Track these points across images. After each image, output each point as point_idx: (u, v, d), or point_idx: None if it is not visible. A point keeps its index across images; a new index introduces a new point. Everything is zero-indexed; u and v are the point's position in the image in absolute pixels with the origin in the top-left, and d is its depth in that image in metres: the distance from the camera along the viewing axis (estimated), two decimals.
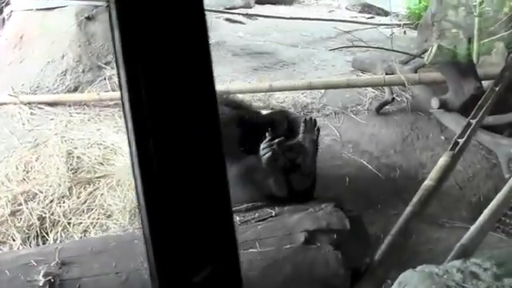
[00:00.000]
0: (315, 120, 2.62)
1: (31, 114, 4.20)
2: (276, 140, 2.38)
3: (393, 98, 4.10)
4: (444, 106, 3.82)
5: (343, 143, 3.89)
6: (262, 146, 2.38)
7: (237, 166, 2.48)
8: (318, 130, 2.58)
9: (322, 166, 3.59)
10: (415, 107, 4.16)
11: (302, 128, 2.57)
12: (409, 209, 2.71)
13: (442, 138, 3.88)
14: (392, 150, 3.81)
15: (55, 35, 4.66)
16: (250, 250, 2.16)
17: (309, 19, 5.84)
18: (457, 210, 3.35)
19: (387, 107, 4.17)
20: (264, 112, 3.53)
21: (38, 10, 4.68)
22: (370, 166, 3.67)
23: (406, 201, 2.87)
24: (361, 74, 4.75)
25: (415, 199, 2.71)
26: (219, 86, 4.23)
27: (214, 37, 5.44)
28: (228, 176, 2.19)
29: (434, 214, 3.22)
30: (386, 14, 6.68)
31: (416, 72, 4.22)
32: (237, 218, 2.31)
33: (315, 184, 2.62)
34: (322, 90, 4.35)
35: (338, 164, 3.70)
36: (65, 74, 4.53)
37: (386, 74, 4.28)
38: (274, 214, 2.33)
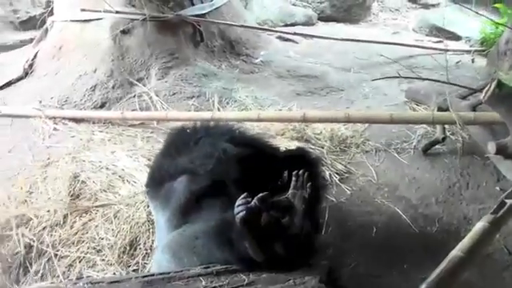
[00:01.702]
0: (309, 174, 2.19)
1: (54, 129, 4.02)
2: (259, 195, 1.98)
3: (444, 138, 3.57)
4: (502, 151, 3.24)
5: (379, 186, 3.42)
6: (238, 202, 1.99)
7: (216, 219, 2.10)
8: (315, 186, 2.15)
9: (349, 210, 3.19)
10: (470, 149, 3.62)
11: (292, 182, 2.16)
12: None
13: (497, 188, 3.32)
14: (433, 198, 3.29)
15: (90, 48, 4.48)
16: None
17: (363, 41, 5.36)
18: (501, 280, 2.78)
19: (437, 147, 3.65)
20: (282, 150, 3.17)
21: (75, 21, 4.51)
22: (403, 216, 3.17)
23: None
24: (415, 105, 4.25)
25: (438, 271, 2.21)
26: (243, 113, 3.89)
27: (260, 56, 5.12)
28: (206, 228, 1.74)
29: (471, 281, 2.69)
30: (457, 38, 6.09)
31: (474, 109, 3.66)
32: (202, 283, 1.93)
33: (311, 250, 2.17)
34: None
35: (367, 210, 3.24)
36: (94, 90, 4.33)
37: (441, 108, 3.75)
38: (245, 283, 1.92)
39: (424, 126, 3.86)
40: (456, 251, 2.29)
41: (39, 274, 2.74)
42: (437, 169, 3.50)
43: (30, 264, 2.79)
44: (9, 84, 4.67)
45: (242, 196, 2.00)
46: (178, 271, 2.01)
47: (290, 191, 2.12)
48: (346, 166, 3.58)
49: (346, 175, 3.51)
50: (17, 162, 3.64)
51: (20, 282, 2.71)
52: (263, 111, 4.03)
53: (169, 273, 2.01)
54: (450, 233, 3.03)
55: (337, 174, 3.50)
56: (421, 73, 4.72)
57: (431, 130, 3.83)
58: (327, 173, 3.48)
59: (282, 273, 2.00)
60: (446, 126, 3.68)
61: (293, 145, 3.73)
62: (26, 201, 3.19)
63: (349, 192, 3.36)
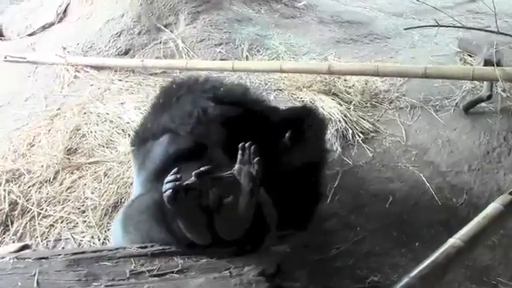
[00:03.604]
0: (256, 147, 1.85)
1: (75, 77, 3.88)
2: (198, 170, 1.69)
3: (489, 95, 3.05)
4: None
5: (406, 148, 3.02)
6: (167, 178, 1.70)
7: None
8: (260, 162, 1.81)
9: (366, 175, 2.83)
10: None
11: (238, 156, 1.84)
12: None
13: None
14: (466, 165, 2.86)
15: None
16: None
17: None
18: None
19: (482, 105, 3.15)
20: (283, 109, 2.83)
21: None
22: (427, 184, 2.77)
23: None
24: (467, 57, 3.71)
25: (427, 263, 1.85)
26: (265, 63, 3.54)
27: None
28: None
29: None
30: None
31: None
32: (131, 266, 1.69)
33: (261, 235, 1.86)
34: None
35: (386, 176, 2.86)
36: (119, 35, 4.13)
37: (489, 62, 3.21)
38: (177, 270, 1.67)
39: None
40: (454, 239, 1.91)
41: (18, 234, 2.62)
42: (477, 130, 3.04)
43: (12, 223, 2.67)
44: (42, 29, 4.56)
45: (173, 171, 1.72)
46: (112, 249, 1.80)
47: (236, 166, 1.81)
48: (373, 124, 3.21)
49: (372, 135, 3.14)
50: (29, 111, 3.54)
51: None
52: (286, 62, 3.66)
53: (102, 250, 1.79)
54: (477, 207, 2.58)
55: (361, 133, 3.14)
56: (482, 19, 4.12)
57: (479, 85, 3.31)
58: (350, 131, 3.11)
59: (224, 259, 1.72)
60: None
61: (318, 98, 3.38)
62: (24, 154, 3.07)
63: (370, 154, 3.01)
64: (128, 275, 1.67)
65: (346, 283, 2.27)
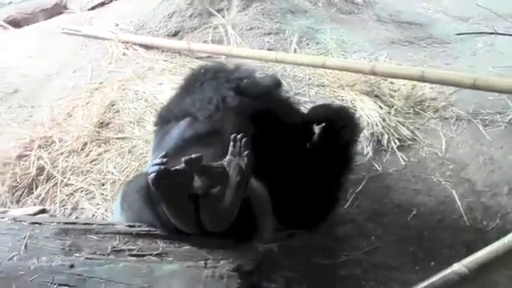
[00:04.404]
0: (247, 140, 1.78)
1: (123, 54, 3.93)
2: (187, 157, 1.65)
3: None
4: None
5: (443, 161, 2.85)
6: (154, 161, 1.68)
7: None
8: (250, 155, 1.75)
9: (393, 184, 2.71)
10: None
11: (230, 148, 1.78)
12: None
13: None
14: (506, 187, 2.66)
15: None
16: None
17: None
18: None
19: None
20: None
21: None
22: (458, 202, 2.61)
23: None
24: None
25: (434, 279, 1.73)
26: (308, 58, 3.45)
27: None
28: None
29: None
30: None
31: None
32: (114, 243, 1.68)
33: (251, 229, 1.81)
34: None
35: (416, 188, 2.72)
36: (171, 17, 4.14)
37: None
38: (156, 253, 1.64)
39: None
40: (460, 265, 1.78)
41: (40, 198, 2.69)
42: None
43: (36, 187, 2.76)
44: (102, 4, 4.66)
45: (160, 155, 1.69)
46: (102, 224, 1.80)
47: (227, 157, 1.76)
48: (412, 132, 3.05)
49: (409, 143, 2.99)
50: (74, 82, 3.62)
51: (20, 202, 2.69)
52: (330, 58, 3.56)
53: (92, 224, 1.80)
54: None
55: (398, 139, 2.98)
56: None
57: None
58: (385, 137, 2.98)
59: (205, 249, 1.68)
60: None
61: (359, 99, 3.27)
62: (60, 124, 3.15)
63: (403, 163, 2.86)
64: (109, 251, 1.66)
65: None
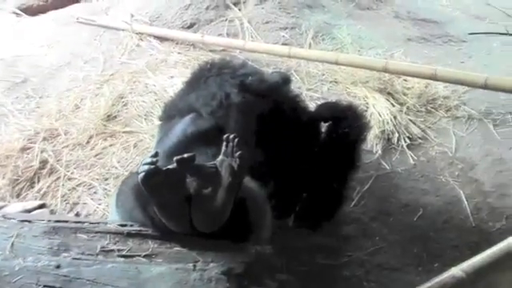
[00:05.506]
0: (240, 140, 1.72)
1: (137, 45, 3.89)
2: (179, 157, 1.60)
3: None
4: None
5: (452, 161, 2.80)
6: (144, 160, 1.63)
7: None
8: (243, 157, 1.68)
9: (401, 183, 2.64)
10: None
11: (223, 148, 1.72)
12: None
13: None
14: None
15: None
16: None
17: None
18: None
19: None
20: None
21: None
22: (465, 203, 2.54)
23: None
24: None
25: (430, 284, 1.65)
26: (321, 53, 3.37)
27: None
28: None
29: None
30: None
31: None
32: (104, 242, 1.64)
33: (244, 231, 1.75)
34: None
35: (423, 187, 2.67)
36: (187, 9, 4.08)
37: None
38: (145, 254, 1.60)
39: None
40: (458, 269, 1.70)
41: (41, 192, 2.66)
42: None
43: (38, 180, 2.73)
44: None
45: (151, 154, 1.64)
46: (93, 223, 1.76)
47: (220, 157, 1.70)
48: (423, 131, 3.01)
49: (419, 141, 2.95)
50: (85, 73, 3.59)
51: (20, 196, 2.66)
52: (343, 54, 3.46)
53: (83, 222, 1.76)
54: None
55: (408, 138, 2.94)
56: None
57: None
58: (395, 135, 2.91)
59: (196, 251, 1.63)
60: None
61: (371, 96, 3.20)
62: (67, 115, 3.12)
63: (412, 162, 2.81)
64: (98, 251, 1.63)
65: None
